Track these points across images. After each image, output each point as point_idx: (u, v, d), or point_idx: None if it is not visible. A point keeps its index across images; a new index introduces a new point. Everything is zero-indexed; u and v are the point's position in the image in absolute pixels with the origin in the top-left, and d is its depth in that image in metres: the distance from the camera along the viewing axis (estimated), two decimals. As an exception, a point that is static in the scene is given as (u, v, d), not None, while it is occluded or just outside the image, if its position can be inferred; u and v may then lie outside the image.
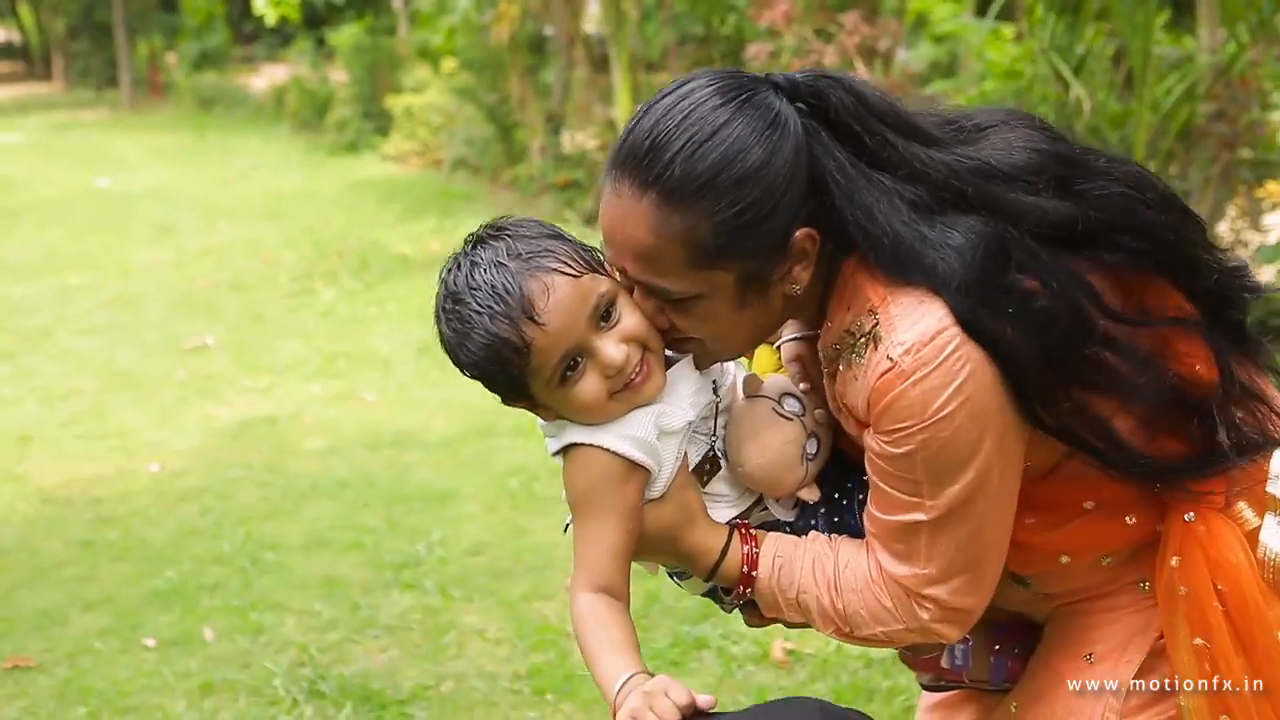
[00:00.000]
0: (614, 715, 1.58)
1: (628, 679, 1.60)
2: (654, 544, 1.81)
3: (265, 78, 26.78)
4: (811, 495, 1.83)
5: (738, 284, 1.68)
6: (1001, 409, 1.62)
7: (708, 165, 1.61)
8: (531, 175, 13.14)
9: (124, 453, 6.42)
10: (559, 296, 1.71)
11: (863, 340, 1.65)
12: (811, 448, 1.81)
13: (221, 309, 9.38)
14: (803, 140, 1.65)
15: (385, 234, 11.81)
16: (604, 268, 1.77)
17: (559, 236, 1.79)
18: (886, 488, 1.69)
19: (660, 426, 1.77)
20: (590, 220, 11.37)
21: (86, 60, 29.94)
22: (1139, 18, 6.01)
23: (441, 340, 1.81)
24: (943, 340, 1.59)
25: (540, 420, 1.85)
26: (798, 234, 1.66)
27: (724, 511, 1.85)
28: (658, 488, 1.79)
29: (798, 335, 1.91)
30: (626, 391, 1.75)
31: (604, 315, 1.74)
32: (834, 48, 7.63)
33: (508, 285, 1.71)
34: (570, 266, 1.73)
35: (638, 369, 1.75)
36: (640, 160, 1.63)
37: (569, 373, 1.73)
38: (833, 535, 1.82)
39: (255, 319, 9.06)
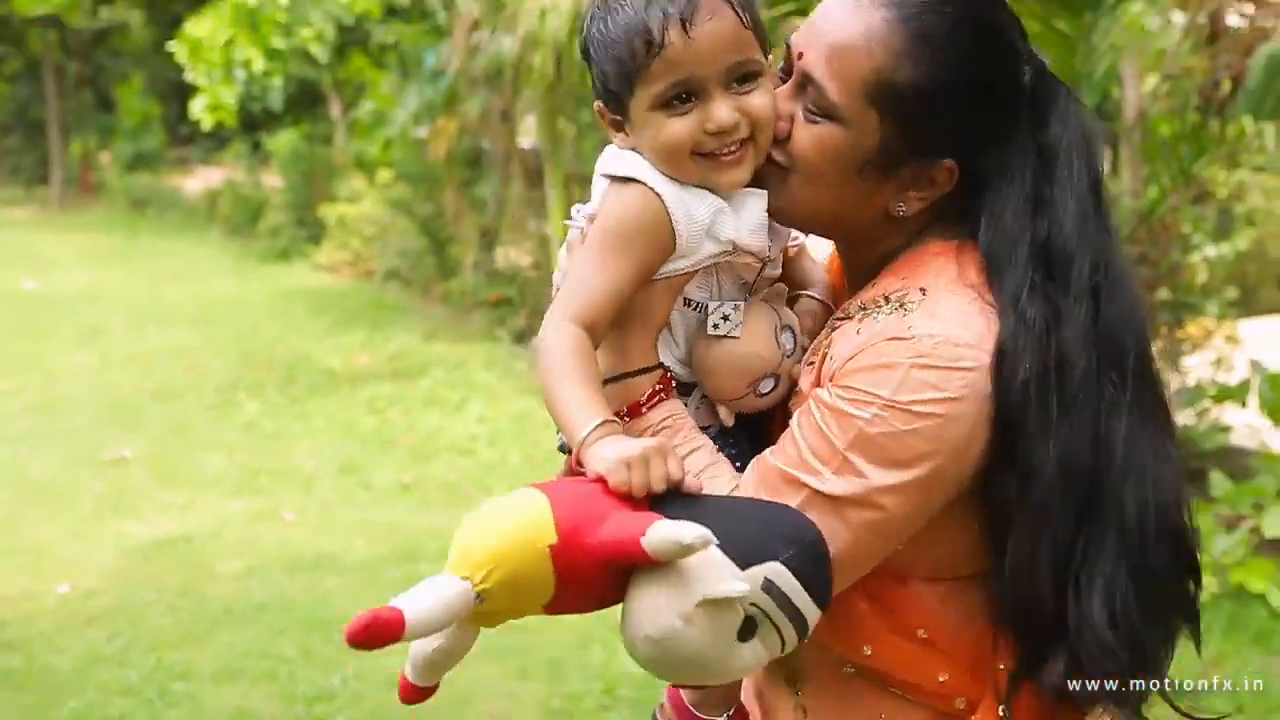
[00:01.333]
0: (578, 451, 1.49)
1: (602, 423, 1.50)
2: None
3: (200, 180, 26.70)
4: (729, 418, 1.74)
5: (875, 146, 1.62)
6: (960, 455, 1.55)
7: (958, 20, 1.60)
8: (464, 290, 13.14)
9: (33, 571, 6.24)
10: (719, 26, 1.62)
11: (894, 304, 1.59)
12: (766, 386, 1.71)
13: (144, 418, 9.22)
14: (1026, 112, 1.65)
15: (314, 345, 11.72)
16: (767, 47, 1.70)
17: None
18: (802, 441, 1.58)
19: (714, 221, 1.67)
20: (519, 339, 11.36)
21: (18, 157, 29.73)
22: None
23: (588, 22, 1.71)
24: (971, 357, 1.53)
25: (608, 154, 1.74)
26: (947, 160, 1.63)
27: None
28: (664, 271, 1.69)
29: (818, 297, 1.84)
30: (709, 161, 1.65)
31: (741, 78, 1.65)
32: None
33: None
34: (744, 17, 1.64)
35: (733, 148, 1.65)
36: None
37: (675, 102, 1.64)
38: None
39: (178, 430, 8.92)
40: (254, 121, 23.60)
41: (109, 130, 28.28)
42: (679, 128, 1.64)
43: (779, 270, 1.80)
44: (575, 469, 1.52)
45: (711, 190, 1.68)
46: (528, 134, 13.78)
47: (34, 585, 6.05)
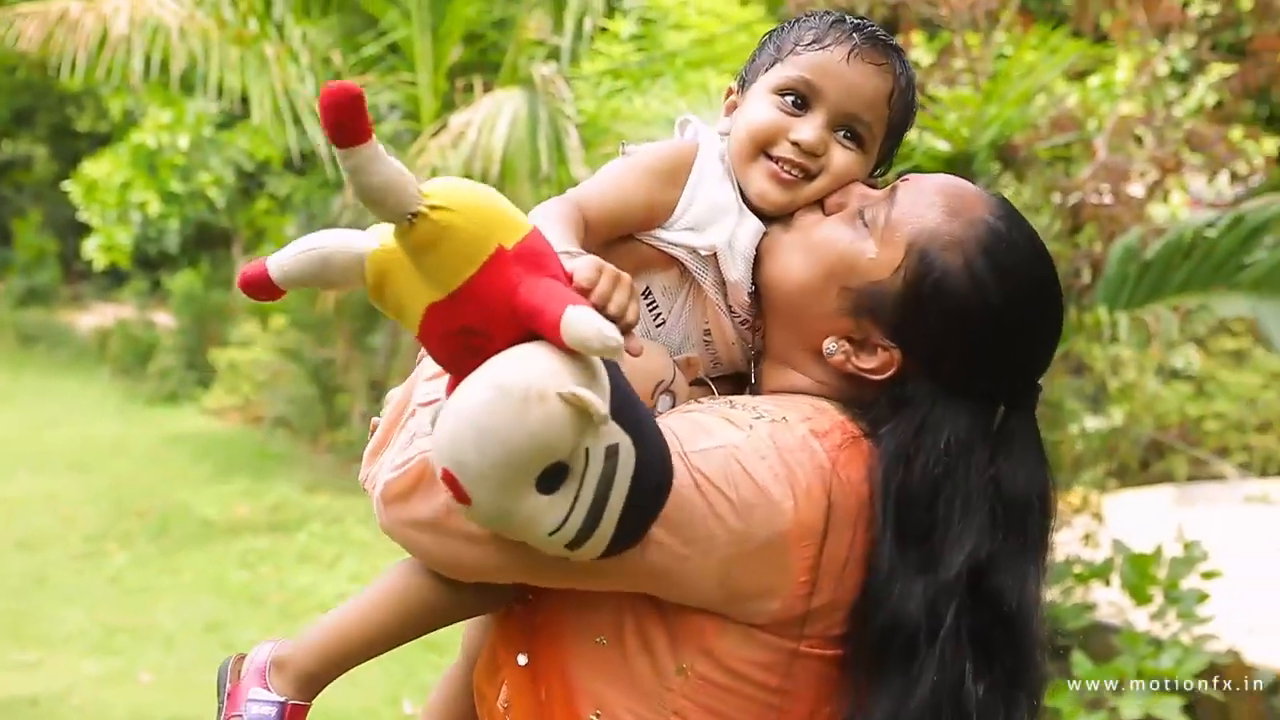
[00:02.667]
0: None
1: (565, 250, 1.46)
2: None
3: (96, 316, 26.35)
4: None
5: (874, 283, 1.62)
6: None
7: (1025, 274, 1.65)
8: (350, 440, 13.01)
9: None
10: (873, 78, 1.70)
11: (752, 413, 1.58)
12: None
13: (4, 569, 8.91)
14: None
15: (192, 494, 11.47)
16: (891, 150, 1.78)
17: None
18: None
19: (712, 217, 1.68)
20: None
21: (-93, 288, 29.17)
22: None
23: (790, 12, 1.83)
24: (779, 493, 1.50)
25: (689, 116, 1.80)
26: (897, 351, 1.62)
27: None
28: (644, 234, 1.69)
29: (709, 379, 1.80)
30: (766, 167, 1.68)
31: (851, 133, 1.71)
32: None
33: (876, 35, 1.71)
34: (895, 97, 1.71)
35: (795, 171, 1.68)
36: (1007, 204, 1.68)
37: (789, 96, 1.69)
38: None
39: (37, 582, 8.63)
40: (154, 260, 23.45)
41: (3, 264, 27.92)
42: (772, 115, 1.69)
43: (743, 363, 1.78)
44: None
45: (744, 191, 1.71)
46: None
47: None
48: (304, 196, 13.39)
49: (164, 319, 20.78)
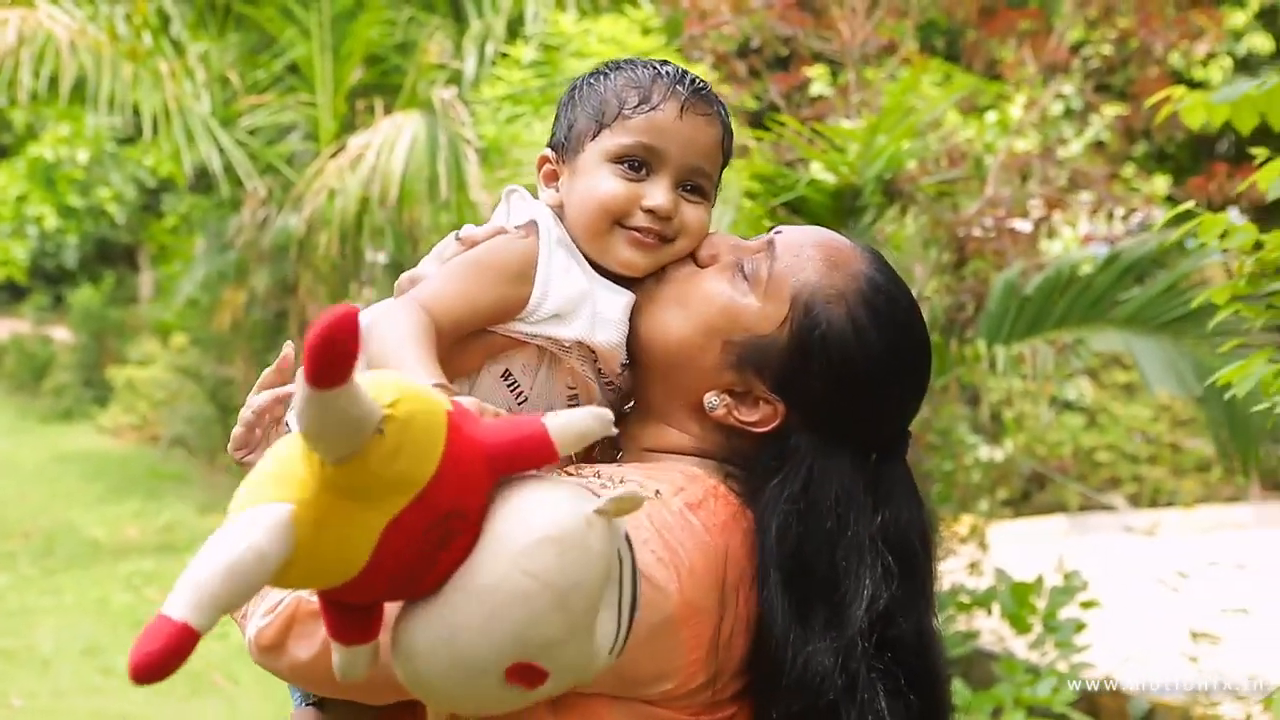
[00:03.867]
0: None
1: (436, 383, 1.39)
2: None
3: (-6, 331, 25.82)
4: None
5: (759, 336, 1.61)
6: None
7: (904, 326, 1.67)
8: (247, 462, 12.84)
9: None
10: (706, 128, 1.68)
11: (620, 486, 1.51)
12: None
13: (-122, 590, 8.71)
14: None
15: (81, 514, 11.26)
16: (719, 184, 1.75)
17: None
18: None
19: (569, 309, 1.63)
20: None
21: None
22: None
23: (593, 71, 1.74)
24: (663, 578, 1.47)
25: (515, 190, 1.73)
26: (782, 405, 1.61)
27: None
28: (500, 326, 1.64)
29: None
30: (624, 236, 1.64)
31: (693, 187, 1.68)
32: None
33: (695, 82, 1.69)
34: (725, 141, 1.72)
35: (652, 237, 1.65)
36: (882, 258, 1.69)
37: (628, 164, 1.66)
38: None
39: (-87, 604, 8.43)
40: (55, 275, 23.05)
41: (-104, 277, 27.26)
42: (620, 187, 1.65)
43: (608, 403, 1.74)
44: None
45: (605, 266, 1.67)
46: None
47: None
48: (203, 215, 13.23)
49: (62, 334, 20.41)
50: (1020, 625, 6.39)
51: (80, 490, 12.41)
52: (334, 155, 8.81)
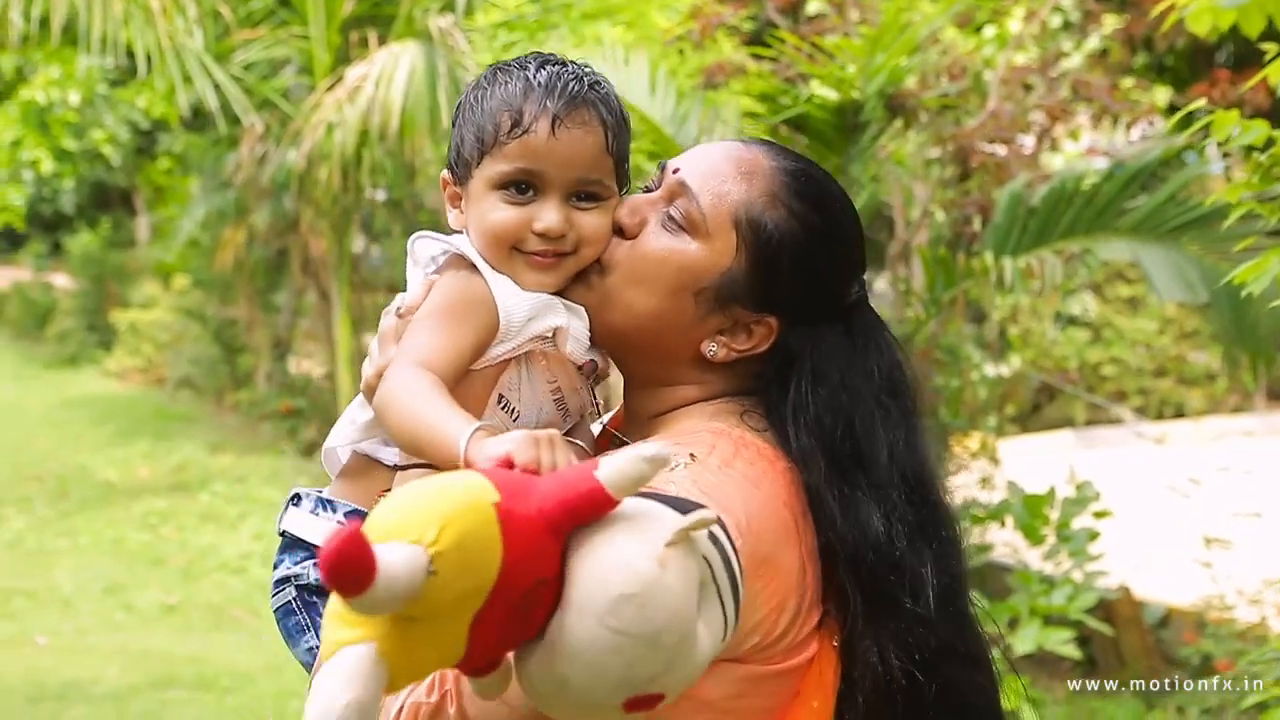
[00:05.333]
0: (466, 456, 1.37)
1: (476, 429, 1.40)
2: None
3: (-6, 279, 25.77)
4: None
5: (721, 271, 1.63)
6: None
7: (830, 194, 1.70)
8: (255, 400, 12.88)
9: None
10: (584, 138, 1.64)
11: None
12: None
13: (-105, 536, 8.77)
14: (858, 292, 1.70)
15: (92, 457, 11.31)
16: (624, 182, 1.72)
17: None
18: None
19: (538, 308, 1.64)
20: (307, 451, 11.15)
21: None
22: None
23: (471, 87, 1.71)
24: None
25: (421, 237, 1.73)
26: (770, 317, 1.64)
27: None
28: (485, 358, 1.65)
29: (578, 442, 1.78)
30: (523, 258, 1.64)
31: (585, 195, 1.66)
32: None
33: (569, 88, 1.65)
34: (610, 143, 1.67)
35: (551, 256, 1.64)
36: (781, 146, 1.73)
37: (512, 188, 1.64)
38: None
39: (-68, 548, 8.49)
40: (52, 221, 22.99)
41: (-107, 227, 27.18)
42: (508, 215, 1.64)
43: (590, 404, 1.78)
44: None
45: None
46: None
47: None
48: (200, 154, 13.14)
49: (63, 281, 20.37)
50: (1033, 537, 6.43)
51: (90, 433, 12.45)
52: (330, 88, 8.74)
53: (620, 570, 1.25)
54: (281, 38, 9.44)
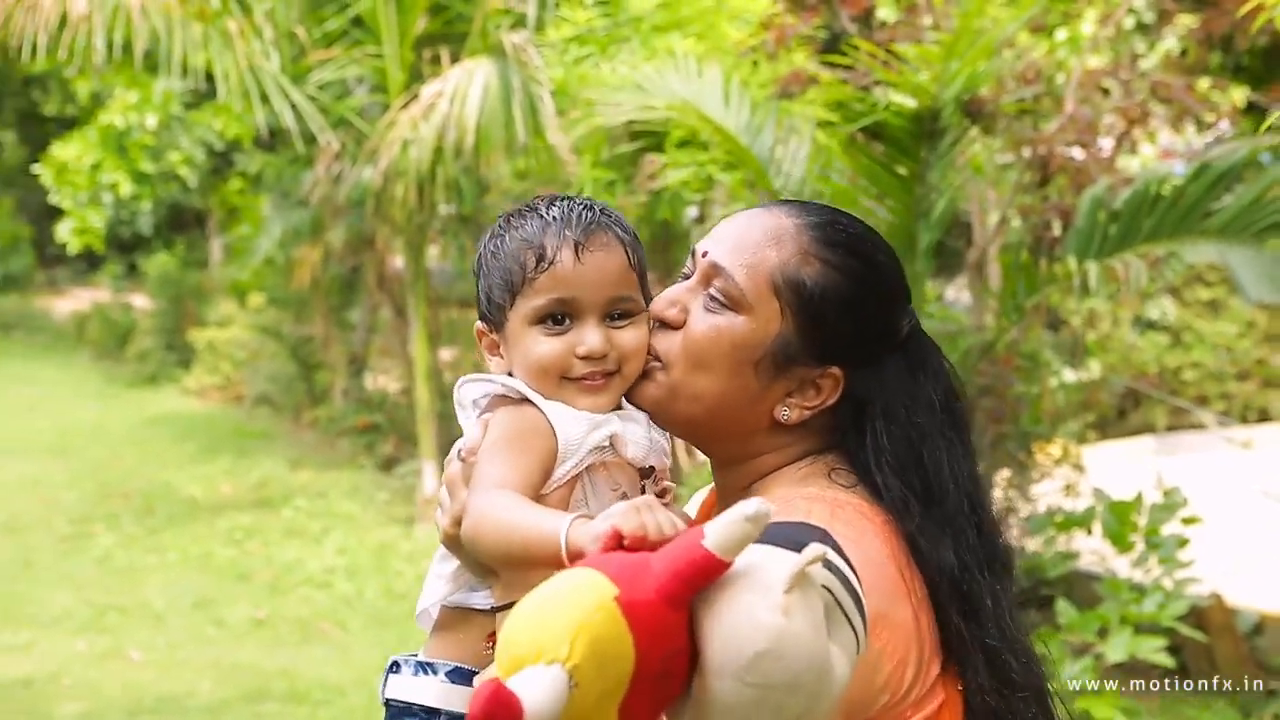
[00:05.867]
0: (570, 545, 1.40)
1: (575, 518, 1.44)
2: None
3: (71, 301, 26.24)
4: None
5: (772, 338, 1.66)
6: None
7: (859, 236, 1.72)
8: (332, 416, 13.01)
9: None
10: (608, 259, 1.70)
11: None
12: None
13: (-11, 554, 8.94)
14: (905, 337, 1.72)
15: (175, 474, 11.49)
16: (648, 294, 1.76)
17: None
18: None
19: (593, 422, 1.69)
20: (386, 466, 11.26)
21: (-119, 278, 28.99)
22: (911, 293, 6.31)
23: (485, 240, 1.79)
24: None
25: (469, 381, 1.76)
26: (834, 368, 1.67)
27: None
28: (551, 481, 1.68)
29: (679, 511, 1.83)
30: (574, 384, 1.69)
31: (618, 314, 1.71)
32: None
33: (583, 217, 1.72)
34: (631, 258, 1.73)
35: (599, 377, 1.69)
36: (802, 202, 1.76)
37: (551, 322, 1.70)
38: None
39: (24, 566, 8.64)
40: (128, 243, 23.40)
41: (-24, 252, 27.75)
42: (551, 347, 1.70)
43: (659, 491, 1.80)
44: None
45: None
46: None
47: None
48: (275, 173, 13.32)
49: (141, 301, 20.70)
50: (1122, 544, 6.35)
51: (172, 451, 12.65)
52: (405, 106, 8.83)
53: (749, 628, 1.28)
54: (355, 57, 9.54)
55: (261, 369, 14.83)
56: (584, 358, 1.69)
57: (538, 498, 1.65)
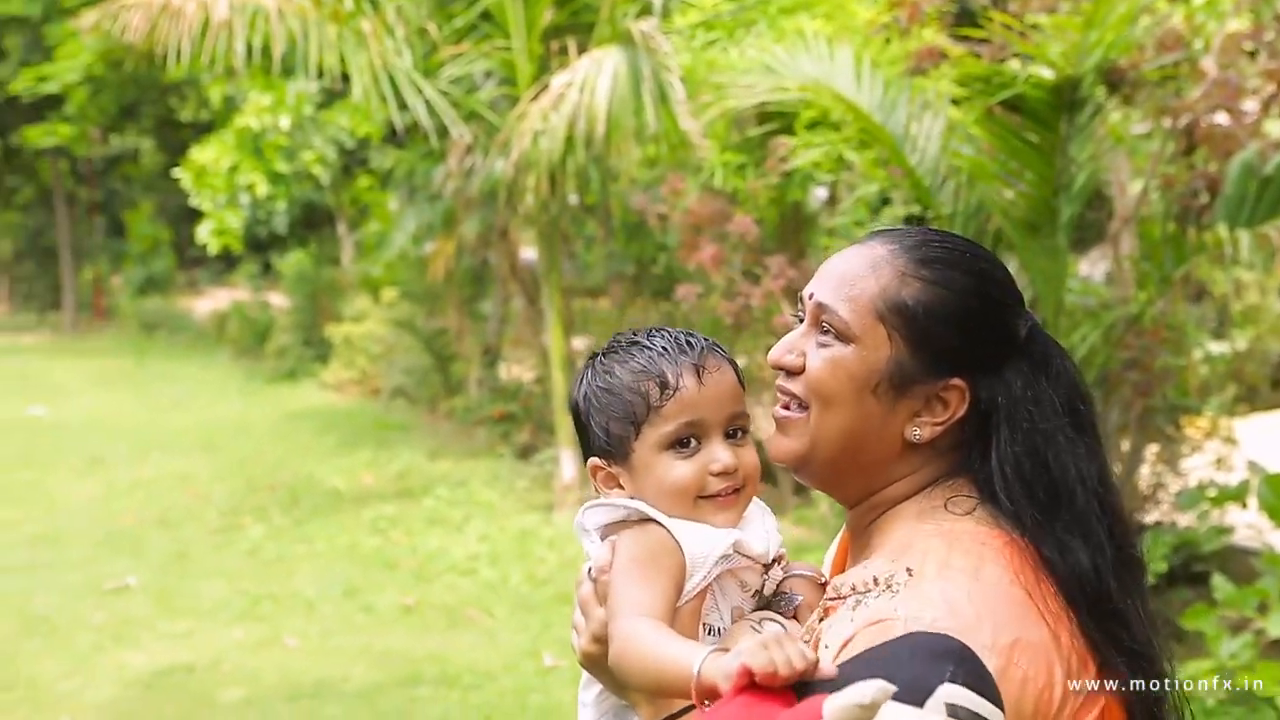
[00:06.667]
0: (700, 680, 1.44)
1: (713, 649, 1.48)
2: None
3: (210, 301, 27.00)
4: None
5: (885, 361, 1.68)
6: None
7: (955, 249, 1.73)
8: (468, 407, 13.20)
9: (31, 705, 6.23)
10: (724, 378, 1.78)
11: (881, 587, 1.60)
12: None
13: (146, 547, 9.23)
14: (1022, 340, 1.71)
15: (318, 466, 11.76)
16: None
17: None
18: None
19: (716, 535, 1.74)
20: (523, 454, 11.40)
21: (31, 284, 30.14)
22: (1052, 268, 6.21)
23: (583, 381, 1.83)
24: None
25: (593, 507, 1.80)
26: (955, 380, 1.68)
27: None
28: (683, 596, 1.73)
29: (807, 573, 1.87)
30: (709, 502, 1.75)
31: (735, 431, 1.78)
32: (760, 290, 7.79)
33: (692, 342, 1.79)
34: (739, 376, 1.82)
35: (730, 493, 1.76)
36: (897, 229, 1.78)
37: (681, 446, 1.75)
38: None
39: (180, 558, 8.92)
40: (263, 243, 23.99)
41: (119, 255, 28.70)
42: (687, 470, 1.75)
43: (781, 575, 1.85)
44: (702, 703, 1.47)
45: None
46: (530, 246, 13.96)
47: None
48: (407, 169, 13.54)
49: (277, 299, 21.22)
50: (1278, 518, 6.20)
51: (313, 444, 12.94)
52: (534, 98, 8.91)
53: None
54: (485, 51, 9.65)
55: (397, 362, 15.11)
56: (719, 474, 1.75)
57: (674, 615, 1.70)
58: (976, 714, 1.40)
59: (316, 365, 17.56)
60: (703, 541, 1.73)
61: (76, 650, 7.03)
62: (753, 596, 1.82)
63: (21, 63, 22.43)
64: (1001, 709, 1.42)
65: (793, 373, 1.75)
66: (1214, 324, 10.41)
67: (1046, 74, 6.09)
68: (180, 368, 19.54)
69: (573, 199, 10.98)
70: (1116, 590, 1.64)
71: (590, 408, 1.82)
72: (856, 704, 1.30)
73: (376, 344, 15.91)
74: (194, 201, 16.35)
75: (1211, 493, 6.90)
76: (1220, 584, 5.97)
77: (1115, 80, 6.17)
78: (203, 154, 15.89)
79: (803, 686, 1.38)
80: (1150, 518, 6.94)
